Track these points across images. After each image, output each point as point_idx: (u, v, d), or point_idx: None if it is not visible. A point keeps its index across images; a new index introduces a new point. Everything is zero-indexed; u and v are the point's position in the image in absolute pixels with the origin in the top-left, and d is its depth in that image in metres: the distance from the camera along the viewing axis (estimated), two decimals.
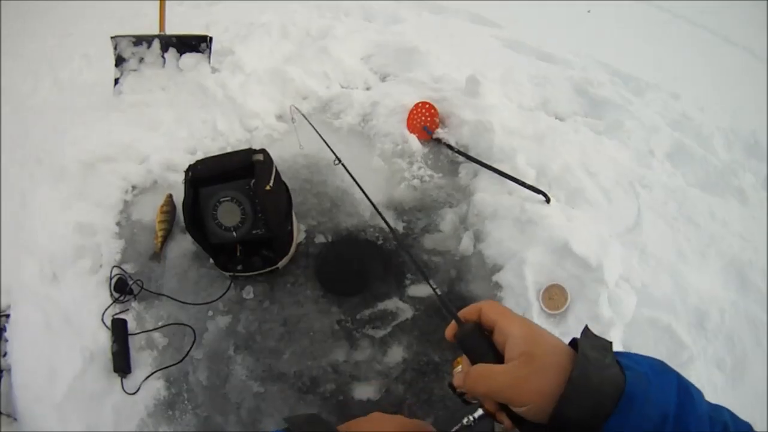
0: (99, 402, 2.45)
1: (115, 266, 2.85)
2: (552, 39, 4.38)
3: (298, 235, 2.96)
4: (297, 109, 3.02)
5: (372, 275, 2.84)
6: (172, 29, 3.75)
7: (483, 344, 0.83)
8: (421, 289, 2.77)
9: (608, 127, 3.45)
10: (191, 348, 2.61)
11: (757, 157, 3.36)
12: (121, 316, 2.69)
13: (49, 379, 2.46)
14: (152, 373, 2.55)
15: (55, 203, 3.05)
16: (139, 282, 2.80)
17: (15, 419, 2.41)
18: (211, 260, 2.81)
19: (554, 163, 3.05)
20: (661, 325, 2.52)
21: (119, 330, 2.60)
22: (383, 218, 1.51)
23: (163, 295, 2.79)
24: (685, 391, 0.72)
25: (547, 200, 2.85)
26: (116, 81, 3.73)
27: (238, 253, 2.75)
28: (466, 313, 0.87)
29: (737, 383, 2.44)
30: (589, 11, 4.95)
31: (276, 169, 2.73)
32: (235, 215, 2.65)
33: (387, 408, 2.43)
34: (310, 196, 3.15)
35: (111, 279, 2.80)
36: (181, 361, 2.57)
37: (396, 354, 2.59)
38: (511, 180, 2.94)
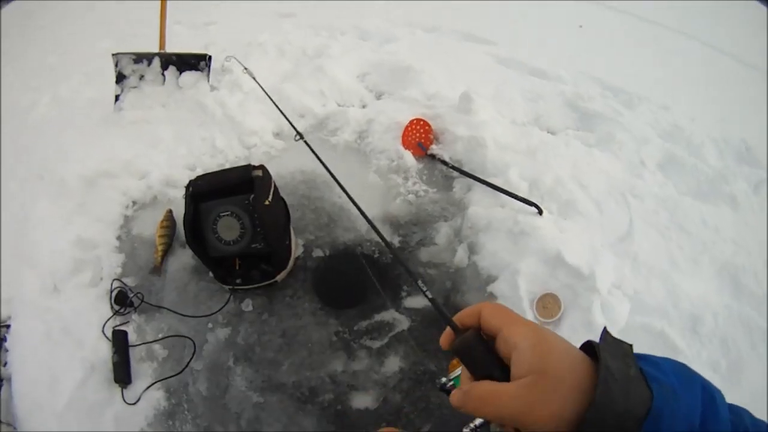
0: (99, 412, 2.47)
1: (115, 279, 2.89)
2: (544, 55, 4.45)
3: (296, 249, 3.00)
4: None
5: (369, 288, 2.87)
6: (171, 48, 3.82)
7: (484, 354, 0.71)
8: (417, 301, 2.81)
9: (599, 140, 3.50)
10: (191, 359, 2.64)
11: (749, 164, 3.41)
12: (122, 328, 2.71)
13: (50, 389, 2.48)
14: (152, 384, 2.57)
15: (56, 218, 3.10)
16: (139, 295, 2.83)
17: (15, 428, 2.43)
18: (211, 274, 2.85)
19: (546, 176, 3.11)
20: (654, 330, 2.55)
21: (120, 341, 2.63)
22: (370, 222, 1.51)
23: (164, 307, 2.82)
24: (710, 399, 0.66)
25: (540, 212, 2.91)
26: (117, 97, 3.79)
27: (238, 267, 2.80)
28: (464, 317, 0.75)
29: (734, 385, 2.46)
30: (580, 26, 5.02)
31: (274, 185, 2.78)
32: (234, 229, 2.70)
33: (385, 417, 2.47)
34: (308, 211, 3.21)
35: (111, 292, 2.83)
36: (181, 372, 2.60)
37: (393, 364, 2.62)
38: (504, 193, 2.99)
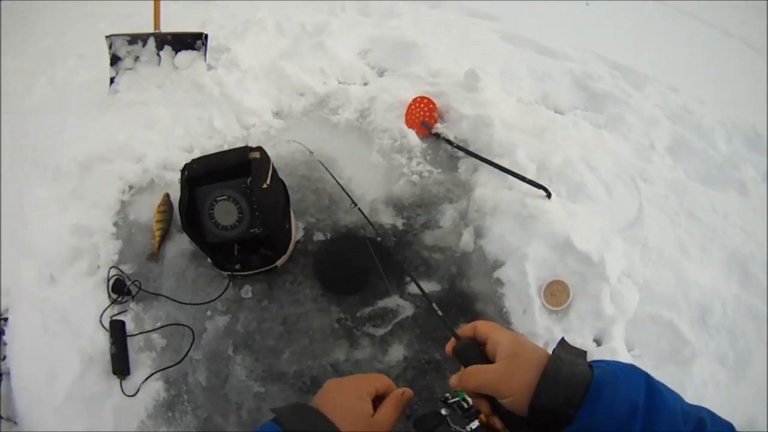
0: (99, 404, 2.43)
1: (112, 267, 2.83)
2: (551, 32, 4.36)
3: (297, 233, 2.94)
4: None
5: (371, 273, 2.79)
6: (167, 27, 3.74)
7: (477, 354, 0.96)
8: (421, 286, 2.74)
9: (608, 121, 3.44)
10: (190, 349, 2.59)
11: (758, 151, 3.35)
12: (120, 317, 2.66)
13: (49, 381, 2.44)
14: (151, 375, 2.53)
15: (52, 204, 3.04)
16: (137, 283, 2.78)
17: (15, 422, 2.40)
18: (209, 260, 2.79)
19: (555, 158, 3.03)
20: (663, 321, 2.51)
21: (117, 331, 2.58)
22: (366, 217, 1.48)
23: (162, 295, 2.77)
24: (655, 388, 0.80)
25: (548, 195, 2.83)
26: (112, 80, 3.72)
27: (236, 252, 2.72)
28: (463, 330, 1.00)
29: (740, 378, 2.43)
30: (587, 4, 4.93)
31: (273, 167, 2.71)
32: (232, 214, 2.63)
33: None
34: (309, 192, 3.13)
35: (109, 280, 2.77)
36: (180, 362, 2.55)
37: (397, 352, 2.57)
38: (512, 175, 2.91)
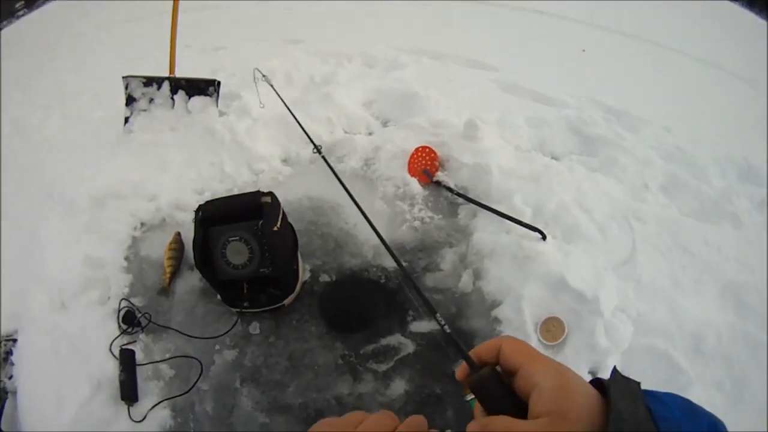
0: (105, 429, 2.46)
1: (123, 299, 2.90)
2: (548, 80, 4.54)
3: (304, 274, 3.04)
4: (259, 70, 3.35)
5: (375, 312, 2.91)
6: (180, 72, 3.89)
7: (500, 393, 0.71)
8: (422, 325, 2.83)
9: (602, 164, 3.57)
10: (198, 379, 2.64)
11: (751, 182, 3.47)
12: (129, 346, 2.72)
13: (56, 404, 2.48)
14: (159, 403, 2.56)
15: (65, 236, 3.14)
16: (147, 315, 2.84)
17: None
18: (219, 296, 2.88)
19: (550, 202, 3.16)
20: (658, 351, 2.59)
21: (127, 360, 2.63)
22: (385, 244, 1.54)
23: (171, 328, 2.83)
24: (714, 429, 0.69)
25: (543, 237, 2.94)
26: (126, 119, 3.86)
27: (245, 291, 2.81)
28: (482, 352, 0.75)
29: (738, 403, 2.49)
30: (583, 50, 5.10)
31: (283, 211, 2.82)
32: (243, 254, 2.72)
33: None
34: (315, 237, 3.24)
35: (119, 311, 2.84)
36: (187, 391, 2.60)
37: (398, 387, 2.63)
38: (509, 219, 3.03)
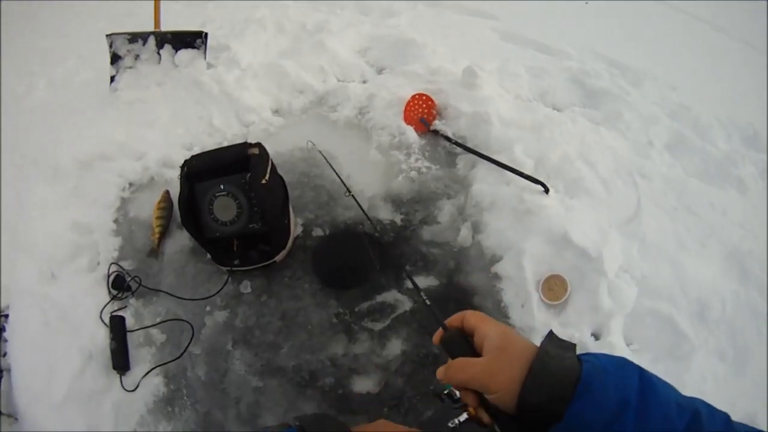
0: (99, 400, 2.43)
1: (112, 263, 2.84)
2: (549, 30, 4.40)
3: (295, 228, 2.95)
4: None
5: (370, 268, 2.81)
6: (166, 27, 3.76)
7: (464, 346, 0.93)
8: (419, 281, 2.75)
9: (606, 118, 3.44)
10: (189, 344, 2.59)
11: (756, 148, 3.37)
12: (119, 313, 2.67)
13: (49, 378, 2.44)
14: (151, 370, 2.53)
15: (52, 203, 3.06)
16: (137, 279, 2.78)
17: (16, 419, 2.40)
18: (208, 255, 2.80)
19: (552, 154, 3.04)
20: (662, 316, 2.51)
21: (117, 327, 2.58)
22: (363, 209, 1.49)
23: (161, 291, 2.77)
24: (648, 381, 0.78)
25: (546, 190, 2.84)
26: (112, 78, 3.74)
27: (235, 248, 2.74)
28: (451, 320, 0.98)
29: (739, 373, 2.43)
30: (586, 3, 4.96)
31: (272, 163, 2.72)
32: (231, 209, 2.65)
33: (387, 401, 2.43)
34: (307, 189, 3.14)
35: (109, 276, 2.78)
36: (179, 357, 2.56)
37: (395, 347, 2.57)
38: (509, 170, 2.92)
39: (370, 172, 3.18)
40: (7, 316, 2.67)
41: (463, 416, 0.94)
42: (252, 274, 2.81)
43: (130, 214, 3.10)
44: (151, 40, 3.73)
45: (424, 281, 2.75)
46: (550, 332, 0.89)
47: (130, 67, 3.74)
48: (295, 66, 3.71)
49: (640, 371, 0.80)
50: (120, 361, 2.51)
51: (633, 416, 0.74)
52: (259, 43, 3.95)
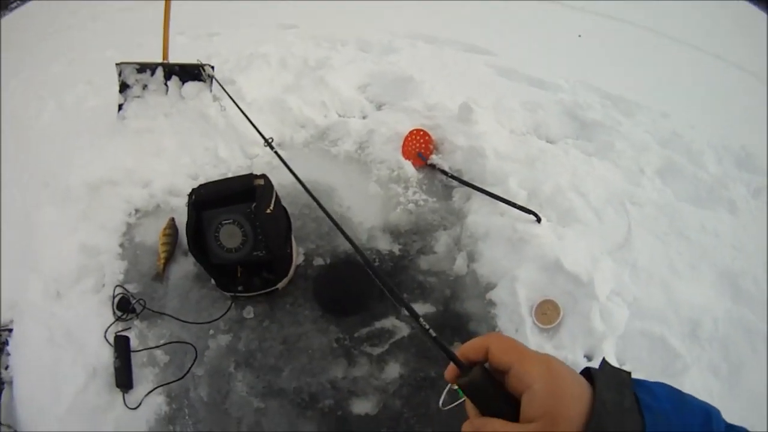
0: (101, 416, 2.48)
1: (117, 285, 2.91)
2: (544, 65, 4.51)
3: (297, 257, 3.03)
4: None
5: (369, 295, 2.90)
6: (174, 59, 3.86)
7: (493, 393, 0.72)
8: (417, 308, 2.79)
9: (598, 149, 3.54)
10: (192, 365, 2.65)
11: (748, 170, 3.44)
12: (124, 333, 2.73)
13: (52, 393, 2.50)
14: (154, 389, 2.58)
15: (60, 224, 3.14)
16: (141, 301, 2.85)
17: (15, 430, 2.45)
18: (213, 281, 2.87)
19: (545, 185, 3.14)
20: (653, 336, 2.57)
21: (122, 346, 2.64)
22: (351, 241, 1.52)
23: (165, 314, 2.84)
24: (706, 420, 0.69)
25: (538, 220, 2.93)
26: (120, 107, 3.83)
27: (239, 275, 2.81)
28: (469, 351, 0.76)
29: (734, 388, 2.47)
30: (579, 36, 5.08)
31: (276, 194, 2.82)
32: (236, 237, 2.72)
33: (385, 422, 2.49)
34: (309, 220, 3.24)
35: (114, 298, 2.85)
36: (182, 377, 2.61)
37: (393, 370, 2.63)
38: (503, 201, 3.02)
39: (370, 205, 3.28)
40: (11, 330, 2.75)
41: None
42: (255, 300, 2.89)
43: (136, 239, 3.19)
44: (159, 71, 3.83)
45: (421, 308, 2.84)
46: (603, 363, 0.72)
47: (138, 97, 3.83)
48: (297, 101, 3.83)
49: (699, 410, 0.70)
50: (123, 379, 2.57)
51: None
52: (264, 77, 4.06)
